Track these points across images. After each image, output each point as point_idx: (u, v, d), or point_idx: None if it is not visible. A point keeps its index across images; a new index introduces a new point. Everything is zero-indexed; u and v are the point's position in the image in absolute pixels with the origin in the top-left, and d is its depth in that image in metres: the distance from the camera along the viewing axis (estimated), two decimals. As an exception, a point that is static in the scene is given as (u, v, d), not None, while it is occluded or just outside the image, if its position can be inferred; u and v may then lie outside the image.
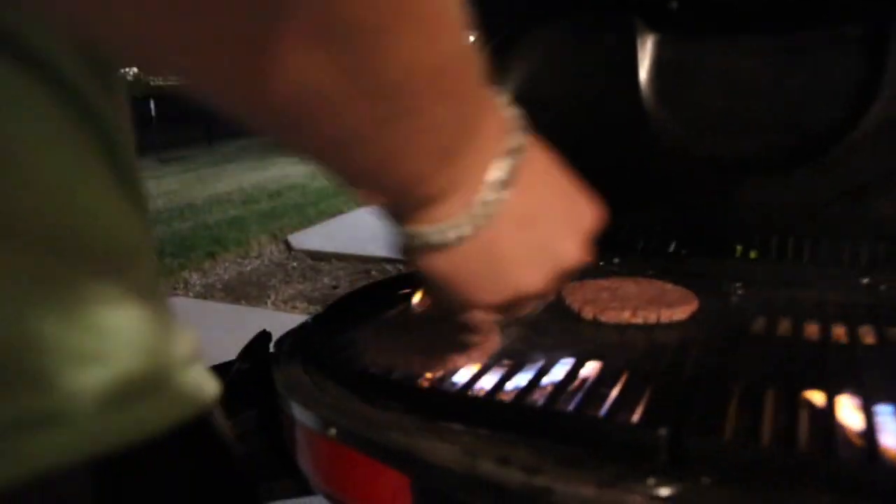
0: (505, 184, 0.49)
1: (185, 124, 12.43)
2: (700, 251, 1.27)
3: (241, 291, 4.51)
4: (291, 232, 5.90)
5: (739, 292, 1.14)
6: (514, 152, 0.49)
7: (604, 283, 1.15)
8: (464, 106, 0.44)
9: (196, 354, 0.48)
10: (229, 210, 7.03)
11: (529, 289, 0.55)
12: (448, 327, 0.97)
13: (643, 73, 1.38)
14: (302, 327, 1.06)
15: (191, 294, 4.51)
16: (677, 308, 1.02)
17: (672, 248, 1.30)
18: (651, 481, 0.62)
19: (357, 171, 0.44)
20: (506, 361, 0.89)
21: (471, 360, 0.88)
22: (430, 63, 0.39)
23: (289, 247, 5.52)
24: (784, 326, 0.99)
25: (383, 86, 0.38)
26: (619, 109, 1.39)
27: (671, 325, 1.00)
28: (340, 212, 6.64)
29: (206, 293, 4.53)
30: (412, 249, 0.51)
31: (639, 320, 1.01)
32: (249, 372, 1.07)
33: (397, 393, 0.81)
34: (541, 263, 0.54)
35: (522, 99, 1.42)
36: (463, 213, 0.49)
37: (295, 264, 5.09)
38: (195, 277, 4.88)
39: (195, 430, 0.46)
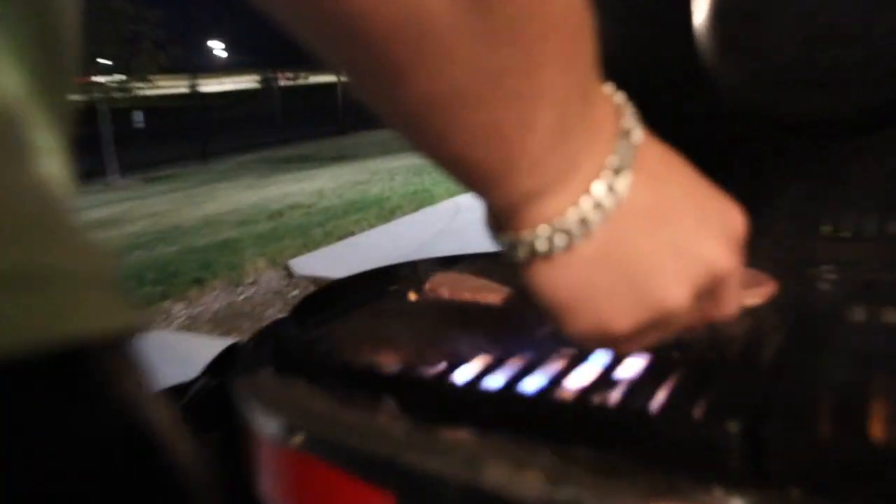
0: (624, 172, 0.47)
1: (177, 139, 12.60)
2: (777, 231, 1.18)
3: (232, 323, 4.48)
4: (293, 256, 5.89)
5: (830, 276, 1.05)
6: (628, 135, 0.47)
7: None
8: (577, 73, 0.44)
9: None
10: (222, 232, 7.07)
11: (673, 302, 0.49)
12: (454, 315, 0.92)
13: (699, 19, 1.30)
14: (274, 324, 1.01)
15: (173, 326, 4.48)
16: (748, 291, 0.93)
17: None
18: (719, 492, 0.54)
19: (457, 146, 0.42)
20: (522, 355, 0.81)
21: (481, 354, 0.81)
22: (549, 6, 0.40)
23: (290, 273, 5.51)
24: (891, 315, 0.90)
25: (501, 27, 0.38)
26: (670, 64, 1.32)
27: (742, 312, 0.91)
28: (350, 233, 6.64)
29: (192, 325, 4.50)
30: (518, 264, 0.48)
31: None
32: (215, 390, 1.02)
33: (384, 390, 0.74)
34: (683, 269, 0.49)
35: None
36: (576, 208, 0.46)
37: (296, 292, 5.06)
38: (178, 308, 4.86)
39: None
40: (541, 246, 0.46)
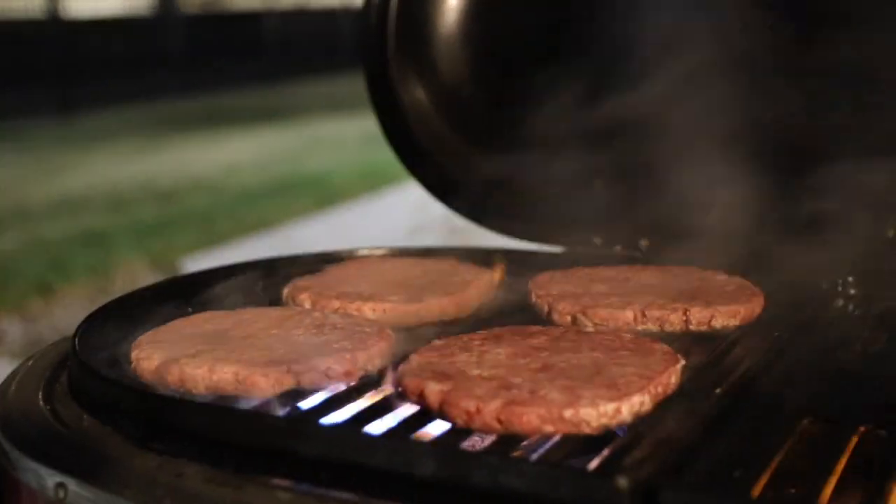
0: None
1: (25, 81, 12.44)
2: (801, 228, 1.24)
3: (91, 350, 4.49)
4: (187, 255, 5.90)
5: (851, 291, 1.11)
6: None
7: (605, 271, 1.14)
8: None
9: None
10: (85, 218, 7.02)
11: None
12: (305, 328, 0.97)
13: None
14: (59, 343, 1.08)
15: (3, 353, 4.48)
16: (721, 308, 0.98)
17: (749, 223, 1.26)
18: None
19: None
20: (387, 386, 0.89)
21: (331, 377, 0.88)
22: None
23: (180, 279, 5.52)
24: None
25: None
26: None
27: (711, 335, 0.98)
28: (273, 225, 6.65)
29: (31, 351, 4.50)
30: None
31: (650, 325, 0.98)
32: None
33: (189, 425, 0.79)
34: None
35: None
36: None
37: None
38: (14, 326, 4.86)
39: None
40: None
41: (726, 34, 1.32)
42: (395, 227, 6.19)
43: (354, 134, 10.16)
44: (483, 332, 0.95)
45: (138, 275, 5.62)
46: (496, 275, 1.20)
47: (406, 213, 6.43)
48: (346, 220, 6.77)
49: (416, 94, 1.44)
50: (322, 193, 7.59)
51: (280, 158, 9.31)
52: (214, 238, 6.45)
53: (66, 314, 5.10)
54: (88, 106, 12.84)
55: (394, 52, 1.42)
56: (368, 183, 7.82)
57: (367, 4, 1.41)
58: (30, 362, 1.04)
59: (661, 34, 1.36)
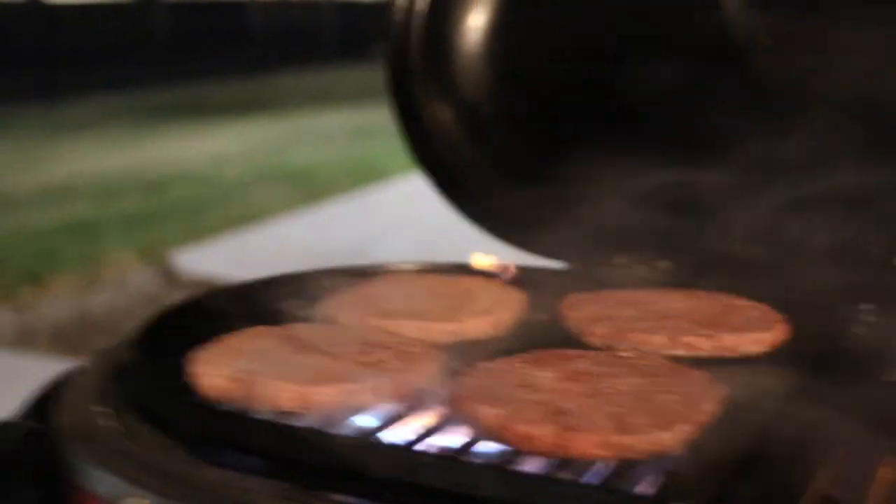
0: None
1: (8, 68, 12.35)
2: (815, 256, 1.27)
3: (81, 340, 4.47)
4: (176, 247, 5.88)
5: (871, 319, 1.14)
6: None
7: (632, 294, 1.17)
8: None
9: None
10: (72, 209, 7.02)
11: None
12: (354, 346, 1.00)
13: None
14: (115, 350, 1.07)
15: (-7, 342, 4.47)
16: (747, 335, 1.02)
17: (762, 248, 1.29)
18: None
19: None
20: (437, 407, 0.91)
21: (381, 396, 0.90)
22: None
23: (169, 271, 5.51)
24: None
25: None
26: (684, 24, 1.40)
27: (738, 361, 1.01)
28: (260, 218, 6.63)
29: (21, 341, 4.50)
30: None
31: (680, 351, 1.02)
32: (37, 436, 1.08)
33: (255, 441, 0.82)
34: None
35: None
36: None
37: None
38: (4, 315, 4.84)
39: None
40: None
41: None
42: (381, 221, 6.19)
43: (341, 127, 10.14)
44: (525, 355, 0.98)
45: (127, 266, 5.62)
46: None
47: (394, 208, 6.44)
48: (333, 216, 6.76)
49: (439, 110, 1.47)
50: (308, 188, 7.56)
51: (267, 150, 9.27)
52: (202, 230, 6.42)
53: (55, 304, 5.08)
54: (72, 93, 12.74)
55: (417, 69, 1.44)
56: (356, 178, 7.80)
57: (390, 21, 1.43)
58: (80, 372, 1.05)
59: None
